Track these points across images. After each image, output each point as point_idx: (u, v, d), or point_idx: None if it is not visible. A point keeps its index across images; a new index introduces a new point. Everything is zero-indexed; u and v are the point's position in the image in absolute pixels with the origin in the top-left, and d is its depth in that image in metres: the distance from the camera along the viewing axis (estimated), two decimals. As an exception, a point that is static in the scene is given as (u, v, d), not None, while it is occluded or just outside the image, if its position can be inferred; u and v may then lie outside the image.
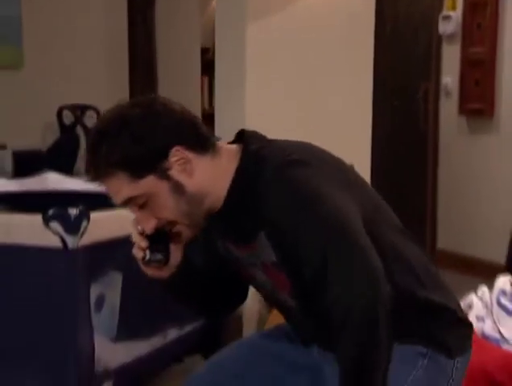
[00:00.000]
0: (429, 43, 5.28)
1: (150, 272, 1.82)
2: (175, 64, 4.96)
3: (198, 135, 1.70)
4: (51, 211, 2.70)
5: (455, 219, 4.94)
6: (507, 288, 2.40)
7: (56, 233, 2.69)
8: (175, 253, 1.78)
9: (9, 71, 4.44)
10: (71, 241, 2.69)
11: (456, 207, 4.98)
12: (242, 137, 1.77)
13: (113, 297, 2.97)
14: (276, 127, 3.43)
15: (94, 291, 2.84)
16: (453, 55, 5.03)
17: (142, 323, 3.11)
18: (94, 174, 1.69)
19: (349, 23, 3.63)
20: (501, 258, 3.57)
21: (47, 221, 2.69)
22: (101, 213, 2.87)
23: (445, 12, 5.08)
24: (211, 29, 3.99)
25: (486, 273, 3.36)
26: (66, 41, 4.62)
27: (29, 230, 2.75)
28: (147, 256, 1.76)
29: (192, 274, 1.85)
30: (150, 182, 1.66)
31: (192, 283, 1.87)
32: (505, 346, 2.25)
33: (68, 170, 3.69)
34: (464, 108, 4.95)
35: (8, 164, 4.15)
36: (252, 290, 2.06)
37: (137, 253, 1.77)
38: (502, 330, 2.24)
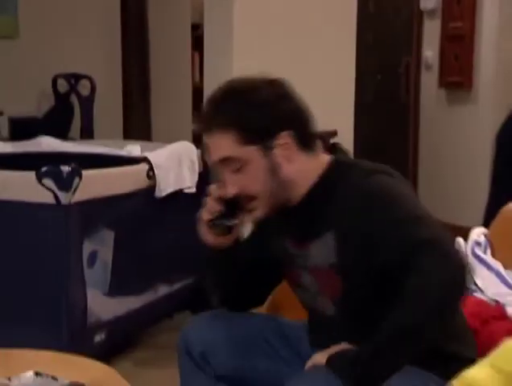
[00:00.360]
0: (410, 19, 5.30)
1: (210, 237, 1.81)
2: (166, 40, 4.96)
3: (307, 131, 1.71)
4: (44, 169, 2.72)
5: (435, 186, 4.97)
6: (481, 239, 2.41)
7: (49, 189, 2.71)
8: (238, 228, 1.78)
9: (5, 41, 4.46)
10: (63, 197, 2.71)
11: (436, 174, 5.01)
12: (335, 150, 1.78)
13: (106, 254, 2.99)
14: None
15: (87, 247, 2.86)
16: (434, 30, 5.04)
17: (134, 279, 3.15)
18: (207, 124, 1.71)
19: (335, 12, 3.64)
20: (478, 223, 3.60)
21: (40, 178, 2.71)
22: (94, 171, 2.89)
23: (426, -12, 5.07)
24: (201, 6, 3.99)
25: (466, 237, 3.39)
26: (60, 12, 4.62)
27: (23, 187, 2.77)
28: (216, 221, 1.75)
29: (237, 257, 1.84)
30: (252, 152, 1.67)
31: (234, 266, 1.85)
32: (479, 296, 2.24)
33: (62, 136, 3.70)
34: (444, 81, 4.97)
35: (5, 130, 4.15)
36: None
37: (205, 215, 1.78)
38: (477, 281, 2.24)
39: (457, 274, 1.54)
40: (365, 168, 1.70)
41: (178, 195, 3.25)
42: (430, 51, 5.11)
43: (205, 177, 3.47)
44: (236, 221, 1.76)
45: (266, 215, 1.73)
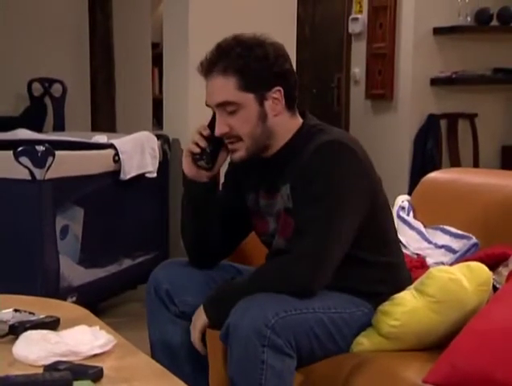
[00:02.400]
0: (341, 41, 5.36)
1: (191, 168, 1.80)
2: (129, 57, 4.92)
3: (294, 93, 1.73)
4: (20, 148, 2.67)
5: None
6: (405, 204, 2.45)
7: (25, 167, 2.65)
8: (218, 166, 1.79)
9: (-17, 49, 4.37)
10: (38, 174, 2.67)
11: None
12: (303, 115, 1.79)
13: (76, 229, 2.94)
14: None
15: (60, 221, 2.81)
16: (360, 50, 5.11)
17: (101, 252, 3.10)
18: (209, 67, 1.70)
19: (275, 28, 3.66)
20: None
21: (17, 156, 2.66)
22: (66, 152, 2.85)
23: (353, 15, 5.16)
24: (160, 26, 4.00)
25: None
26: (33, 23, 4.56)
27: (2, 164, 2.71)
28: (198, 156, 1.76)
29: (212, 200, 1.83)
30: (248, 98, 1.67)
31: (209, 211, 1.83)
32: (405, 251, 2.25)
33: (36, 131, 3.61)
34: (370, 94, 5.03)
35: (-16, 127, 4.05)
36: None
37: (193, 148, 1.77)
38: (401, 239, 2.27)
39: (311, 292, 1.61)
40: (328, 135, 1.69)
41: (140, 178, 3.21)
42: (357, 68, 5.17)
43: (165, 165, 3.45)
44: (216, 159, 1.76)
45: (245, 158, 1.73)
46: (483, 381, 1.42)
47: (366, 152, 1.76)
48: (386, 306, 1.68)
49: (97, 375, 1.35)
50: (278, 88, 1.69)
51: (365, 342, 1.68)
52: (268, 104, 1.69)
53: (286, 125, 1.73)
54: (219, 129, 1.71)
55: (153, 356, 1.82)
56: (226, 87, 1.67)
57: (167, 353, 1.82)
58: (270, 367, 1.54)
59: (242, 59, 1.67)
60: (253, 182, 1.82)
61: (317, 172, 1.63)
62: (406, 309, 1.65)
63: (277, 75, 1.69)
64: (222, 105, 1.69)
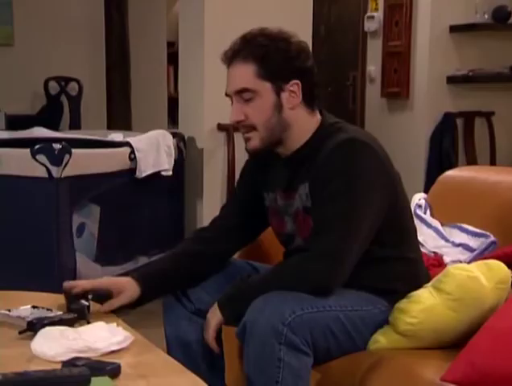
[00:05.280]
0: (356, 39, 5.34)
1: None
2: (145, 55, 4.94)
3: (313, 91, 1.73)
4: (38, 146, 2.68)
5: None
6: (421, 202, 2.44)
7: (42, 164, 2.67)
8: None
9: (2, 48, 4.43)
10: (55, 171, 2.69)
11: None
12: (321, 114, 1.78)
13: (93, 227, 2.96)
14: (230, 113, 3.50)
15: (76, 219, 2.83)
16: (376, 48, 5.09)
17: (117, 250, 3.11)
18: (232, 55, 1.72)
19: (291, 26, 3.66)
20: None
21: (34, 154, 2.67)
22: (82, 150, 2.86)
23: (369, 13, 5.13)
24: (176, 25, 4.01)
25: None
26: (51, 23, 4.60)
27: (18, 162, 2.73)
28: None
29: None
30: (265, 87, 1.68)
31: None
32: (422, 249, 2.23)
33: (52, 130, 3.64)
34: (385, 92, 5.00)
35: (1, 124, 4.08)
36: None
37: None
38: (419, 238, 2.25)
39: (323, 290, 1.61)
40: (346, 134, 1.68)
41: (156, 176, 3.22)
42: (373, 66, 5.15)
43: (180, 163, 3.46)
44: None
45: (259, 148, 1.73)
46: (502, 379, 1.41)
47: (385, 150, 1.75)
48: (402, 304, 1.67)
49: (114, 371, 1.36)
50: (296, 81, 1.69)
51: (381, 339, 1.67)
52: (285, 95, 1.70)
53: (304, 121, 1.73)
54: (235, 117, 1.71)
55: (169, 354, 1.80)
56: (245, 74, 1.69)
57: (182, 351, 1.82)
58: (287, 364, 1.54)
59: (264, 48, 1.69)
60: (271, 181, 1.81)
61: (336, 170, 1.63)
62: (424, 306, 1.65)
63: (296, 69, 1.70)
64: (240, 92, 1.70)
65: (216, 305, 1.70)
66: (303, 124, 1.73)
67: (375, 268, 1.71)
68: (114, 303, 1.77)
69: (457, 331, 1.65)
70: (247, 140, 1.73)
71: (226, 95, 1.74)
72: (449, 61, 4.58)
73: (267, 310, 1.55)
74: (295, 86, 1.70)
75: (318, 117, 1.76)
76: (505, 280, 1.70)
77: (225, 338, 1.83)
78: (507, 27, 4.56)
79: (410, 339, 1.66)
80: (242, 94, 1.69)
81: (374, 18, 5.09)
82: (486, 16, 4.50)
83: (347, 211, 1.61)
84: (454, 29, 4.54)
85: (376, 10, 5.13)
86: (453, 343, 1.63)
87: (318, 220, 1.65)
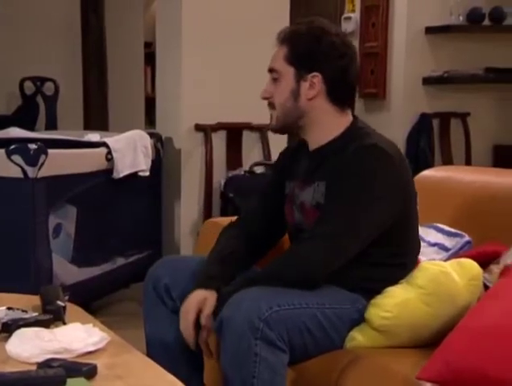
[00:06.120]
0: (333, 40, 5.35)
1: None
2: (122, 55, 4.92)
3: (341, 91, 1.78)
4: (13, 146, 2.66)
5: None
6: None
7: (18, 165, 2.64)
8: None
9: (-24, 48, 4.36)
10: (31, 172, 2.66)
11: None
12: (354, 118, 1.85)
13: (69, 228, 2.94)
14: (207, 112, 3.54)
15: (52, 220, 2.81)
16: (353, 49, 5.11)
17: (94, 251, 3.10)
18: (284, 37, 1.80)
19: (268, 26, 3.67)
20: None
21: (9, 154, 2.65)
22: (58, 151, 2.84)
23: (346, 14, 5.16)
24: (153, 25, 4.00)
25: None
26: (26, 22, 4.54)
27: (-7, 162, 2.68)
28: None
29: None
30: (288, 71, 1.78)
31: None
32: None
33: (29, 130, 3.60)
34: (363, 92, 5.03)
35: (-24, 125, 4.03)
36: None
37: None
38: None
39: (315, 275, 1.65)
40: (370, 139, 1.72)
41: (133, 177, 3.21)
42: (350, 67, 5.18)
43: (158, 163, 3.44)
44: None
45: (276, 127, 1.83)
46: (476, 378, 1.42)
47: (406, 161, 1.79)
48: (377, 299, 1.68)
49: (90, 372, 1.35)
50: (316, 74, 1.75)
51: (357, 336, 1.68)
52: (304, 85, 1.77)
53: (328, 118, 1.78)
54: (262, 93, 1.84)
55: (148, 354, 1.82)
56: (278, 55, 1.80)
57: (162, 351, 1.82)
58: (263, 359, 1.55)
59: (298, 34, 1.77)
60: (294, 170, 1.87)
61: (353, 171, 1.68)
62: (398, 300, 1.66)
63: (321, 62, 1.75)
64: (270, 71, 1.82)
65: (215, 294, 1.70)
66: (327, 120, 1.79)
67: (365, 269, 1.74)
68: (205, 315, 1.72)
69: (433, 329, 1.66)
70: (270, 118, 1.84)
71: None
72: (425, 62, 4.62)
73: (244, 305, 1.57)
74: (315, 78, 1.76)
75: (349, 118, 1.81)
76: (478, 277, 1.72)
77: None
78: (481, 29, 4.61)
79: (386, 335, 1.67)
80: (272, 73, 1.81)
81: (351, 19, 5.12)
82: (461, 18, 4.55)
83: (353, 209, 1.66)
84: (429, 30, 4.57)
85: (353, 11, 5.16)
86: (430, 343, 1.64)
87: (324, 212, 1.70)
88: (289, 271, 1.67)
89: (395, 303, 1.66)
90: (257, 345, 1.54)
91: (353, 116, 1.83)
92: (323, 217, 1.69)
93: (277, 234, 1.96)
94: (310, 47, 1.75)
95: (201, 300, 1.71)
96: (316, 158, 1.80)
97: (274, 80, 1.80)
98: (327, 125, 1.78)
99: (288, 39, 1.78)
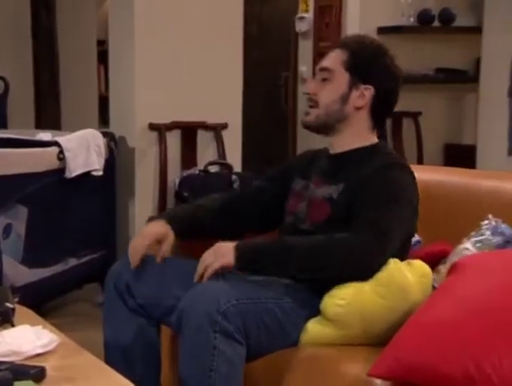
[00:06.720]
0: (288, 40, 5.39)
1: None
2: (74, 54, 4.84)
3: (382, 113, 1.90)
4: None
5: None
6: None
7: (-36, 165, 2.57)
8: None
9: None
10: (-22, 172, 2.58)
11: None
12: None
13: (19, 228, 2.88)
14: (162, 111, 3.52)
15: (2, 220, 2.75)
16: (307, 49, 5.14)
17: (45, 251, 3.04)
18: (347, 42, 1.91)
19: (222, 25, 3.68)
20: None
21: (-43, 154, 2.57)
22: (7, 150, 2.77)
23: (300, 14, 5.19)
24: (106, 23, 3.94)
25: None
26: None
27: None
28: None
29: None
30: (343, 76, 1.84)
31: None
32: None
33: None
34: (317, 92, 5.06)
35: None
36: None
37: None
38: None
39: (366, 267, 1.67)
40: (396, 159, 1.87)
41: (86, 176, 3.16)
42: (304, 67, 5.20)
43: (111, 163, 3.40)
44: None
45: (312, 123, 1.87)
46: (426, 373, 1.44)
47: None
48: (333, 290, 1.68)
49: (38, 375, 1.32)
50: (370, 86, 1.84)
51: (311, 328, 1.69)
52: (355, 93, 1.84)
53: (361, 129, 1.87)
54: (307, 87, 1.93)
55: (106, 355, 1.83)
56: (336, 58, 1.86)
57: (119, 351, 1.82)
58: (222, 352, 1.56)
59: (361, 46, 1.87)
60: (312, 169, 1.91)
61: (381, 182, 1.76)
62: (352, 290, 1.67)
63: (376, 78, 1.85)
64: (322, 70, 1.87)
65: (230, 247, 1.69)
66: (360, 131, 1.87)
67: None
68: (165, 252, 1.87)
69: (386, 322, 1.66)
70: (306, 114, 1.89)
71: (313, 74, 1.98)
72: (378, 62, 4.68)
73: (203, 298, 1.58)
74: (367, 91, 1.85)
75: (375, 137, 1.91)
76: (428, 275, 1.74)
77: (162, 337, 1.85)
78: (432, 30, 4.69)
79: (340, 326, 1.66)
80: (323, 72, 1.86)
81: (305, 19, 5.14)
82: (412, 19, 4.62)
83: (389, 215, 1.72)
84: (382, 31, 4.63)
85: (307, 11, 5.19)
86: (383, 339, 1.65)
87: (362, 218, 1.71)
88: (344, 262, 1.67)
89: (349, 292, 1.66)
90: (216, 338, 1.55)
91: (378, 137, 1.92)
92: (361, 222, 1.71)
93: (254, 221, 2.01)
94: (371, 61, 1.86)
95: (160, 232, 1.84)
96: (337, 161, 1.88)
97: (324, 79, 1.85)
98: (358, 135, 1.87)
99: (351, 46, 1.86)
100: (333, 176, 1.84)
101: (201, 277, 1.70)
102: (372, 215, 1.70)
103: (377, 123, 1.91)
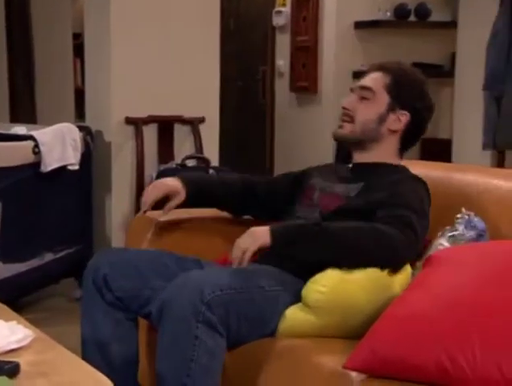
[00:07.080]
0: (265, 34, 5.38)
1: None
2: (50, 47, 4.79)
3: (411, 142, 1.99)
4: None
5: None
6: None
7: None
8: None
9: None
10: (-47, 165, 2.54)
11: (289, 162, 5.10)
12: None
13: (-6, 223, 2.83)
14: (138, 105, 3.49)
15: (-24, 216, 2.70)
16: (284, 43, 5.15)
17: (21, 246, 3.01)
18: (380, 66, 1.97)
19: (198, 19, 3.67)
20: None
21: None
22: (-18, 144, 2.73)
23: (277, 8, 5.19)
24: (81, 16, 3.91)
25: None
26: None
27: None
28: None
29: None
30: (384, 97, 1.92)
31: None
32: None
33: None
34: (294, 86, 5.07)
35: None
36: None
37: None
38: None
39: (403, 261, 1.73)
40: (419, 178, 1.94)
41: (62, 171, 3.13)
42: (282, 61, 5.21)
43: (87, 157, 3.37)
44: None
45: (345, 137, 1.94)
46: (402, 366, 1.44)
47: None
48: (316, 277, 1.68)
49: (12, 370, 1.31)
50: (407, 113, 1.93)
51: (288, 314, 1.68)
52: (392, 116, 1.93)
53: (389, 151, 1.95)
54: (346, 103, 1.95)
55: (83, 350, 1.82)
56: (378, 79, 1.94)
57: (97, 346, 1.81)
58: (203, 343, 1.56)
59: (405, 72, 1.97)
60: (332, 172, 1.99)
61: (401, 192, 1.83)
62: (335, 277, 1.66)
63: (414, 107, 1.93)
64: (363, 89, 1.94)
65: (265, 229, 1.69)
66: (387, 152, 1.95)
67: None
68: (172, 205, 1.98)
69: (365, 314, 1.65)
70: (340, 126, 1.96)
71: (351, 89, 1.99)
72: (354, 57, 4.69)
73: (187, 288, 1.58)
74: (404, 116, 1.93)
75: (399, 162, 1.99)
76: (407, 271, 1.75)
77: (140, 331, 1.84)
78: (408, 25, 4.71)
79: (319, 313, 1.66)
80: (363, 91, 1.93)
81: (282, 13, 5.15)
82: (388, 14, 4.64)
83: (413, 217, 1.77)
84: (359, 25, 4.64)
85: (284, 5, 5.19)
86: (361, 333, 1.65)
87: (386, 216, 1.76)
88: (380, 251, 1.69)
89: (331, 278, 1.66)
90: (198, 327, 1.55)
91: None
92: (398, 216, 1.75)
93: (259, 207, 2.07)
94: (411, 88, 1.94)
95: (173, 188, 1.95)
96: (358, 168, 1.95)
97: (363, 98, 1.92)
98: (384, 156, 1.94)
99: (393, 71, 1.95)
100: (353, 179, 1.92)
101: (239, 262, 1.69)
102: (403, 212, 1.76)
103: (405, 148, 1.99)
